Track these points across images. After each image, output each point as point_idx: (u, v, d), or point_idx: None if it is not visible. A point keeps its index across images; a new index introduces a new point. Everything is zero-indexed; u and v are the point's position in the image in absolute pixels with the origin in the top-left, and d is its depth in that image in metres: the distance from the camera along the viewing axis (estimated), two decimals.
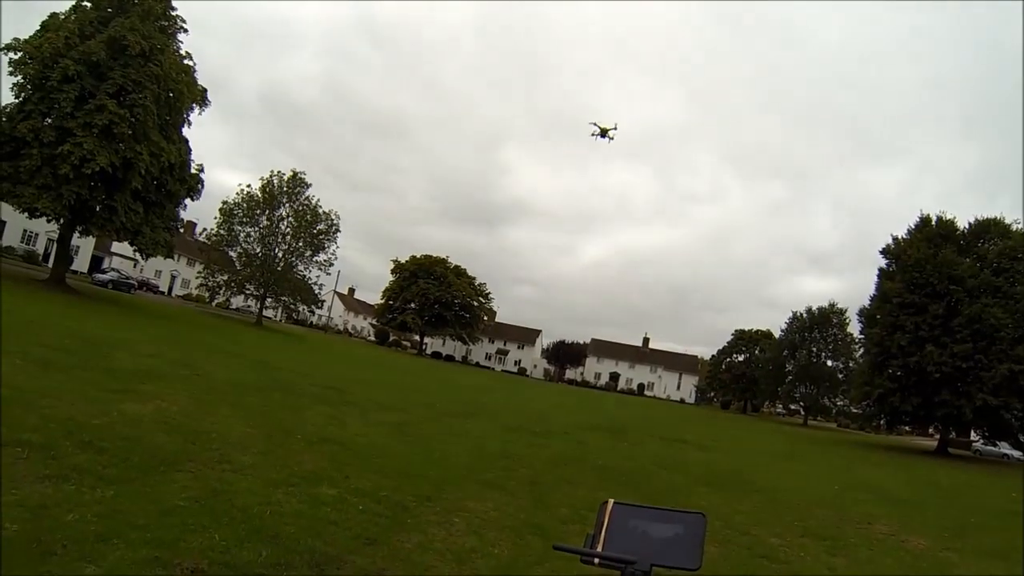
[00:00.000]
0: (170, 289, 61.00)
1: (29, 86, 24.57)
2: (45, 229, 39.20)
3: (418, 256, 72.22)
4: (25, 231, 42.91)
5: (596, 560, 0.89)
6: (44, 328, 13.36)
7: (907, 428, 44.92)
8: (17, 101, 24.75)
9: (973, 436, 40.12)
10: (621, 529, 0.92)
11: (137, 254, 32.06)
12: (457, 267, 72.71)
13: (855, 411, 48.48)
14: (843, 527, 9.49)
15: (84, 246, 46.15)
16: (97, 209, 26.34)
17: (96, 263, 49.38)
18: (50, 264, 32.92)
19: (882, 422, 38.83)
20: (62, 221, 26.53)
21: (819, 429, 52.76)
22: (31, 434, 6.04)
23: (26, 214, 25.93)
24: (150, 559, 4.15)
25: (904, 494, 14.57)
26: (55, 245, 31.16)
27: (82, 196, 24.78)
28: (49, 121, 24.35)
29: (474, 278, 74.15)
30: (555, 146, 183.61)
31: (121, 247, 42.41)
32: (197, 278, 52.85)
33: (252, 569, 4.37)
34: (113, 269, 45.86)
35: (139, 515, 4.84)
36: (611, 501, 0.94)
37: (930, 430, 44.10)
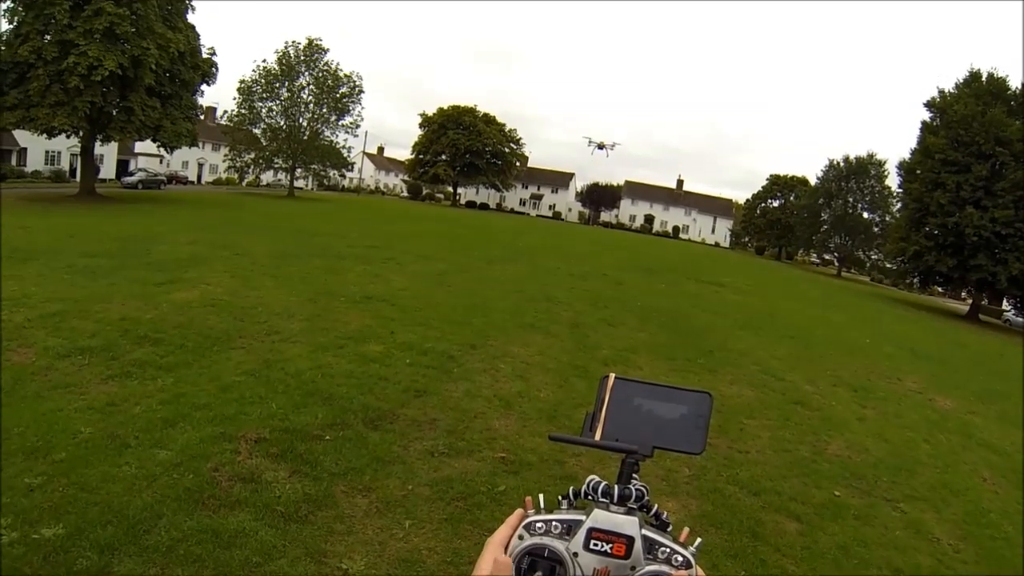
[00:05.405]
0: (199, 177, 61.09)
1: (20, 8, 23.50)
2: (67, 146, 39.02)
3: (445, 107, 69.63)
4: (47, 152, 42.88)
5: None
6: (84, 239, 13.67)
7: (939, 289, 44.23)
8: (12, 26, 23.82)
9: (1005, 305, 38.79)
10: (623, 407, 0.81)
11: (161, 149, 32.02)
12: (486, 115, 69.94)
13: (889, 266, 47.12)
14: (874, 380, 9.52)
15: (108, 153, 45.84)
16: (114, 113, 26.00)
17: (123, 167, 49.41)
18: (78, 178, 33.18)
19: (915, 280, 37.83)
20: (81, 133, 26.34)
21: (852, 281, 51.99)
22: (89, 340, 6.32)
23: (44, 135, 25.83)
24: (216, 435, 4.44)
25: (934, 354, 14.36)
26: (79, 158, 31.21)
27: (96, 104, 24.38)
28: (48, 38, 23.47)
29: (504, 124, 71.62)
30: None
31: (144, 146, 42.11)
32: (224, 161, 52.65)
33: (311, 431, 4.65)
34: (140, 169, 45.72)
35: (200, 396, 5.14)
36: (612, 376, 0.81)
37: (962, 294, 43.13)
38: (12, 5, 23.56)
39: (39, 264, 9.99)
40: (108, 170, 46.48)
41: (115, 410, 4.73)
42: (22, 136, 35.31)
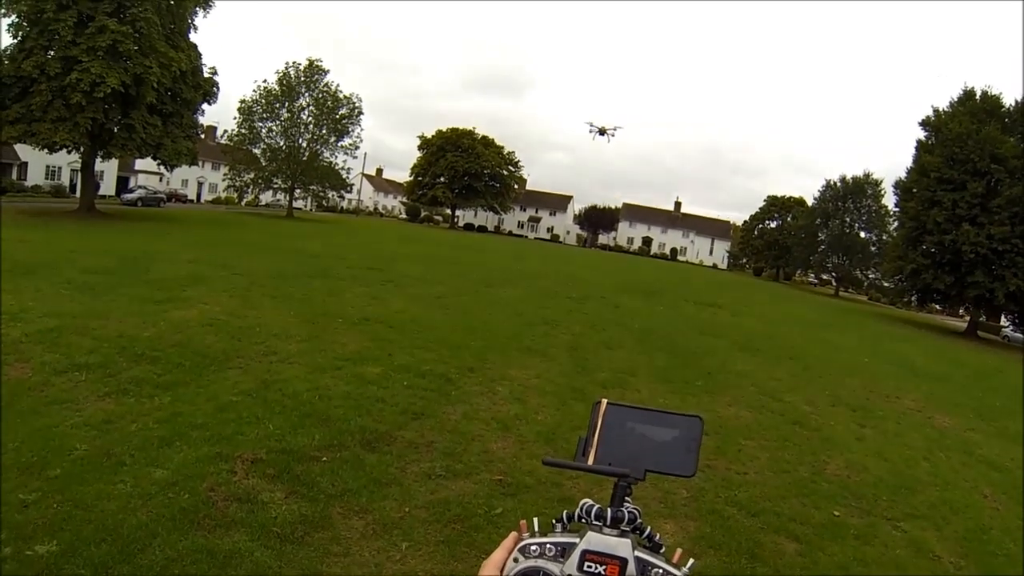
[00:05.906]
0: (199, 196, 61.38)
1: (25, 23, 23.78)
2: (67, 161, 39.25)
3: (444, 130, 70.35)
4: (48, 167, 43.13)
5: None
6: (83, 254, 13.67)
7: (937, 307, 44.88)
8: (16, 41, 24.09)
9: (1003, 321, 38.93)
10: (615, 432, 0.83)
11: (161, 167, 32.21)
12: (485, 137, 70.70)
13: (886, 285, 47.82)
14: (872, 399, 9.53)
15: (108, 170, 46.14)
16: (115, 130, 26.18)
17: (123, 184, 49.65)
18: (77, 194, 33.32)
19: (913, 298, 38.10)
20: (82, 149, 26.53)
21: (850, 301, 52.42)
22: (87, 356, 6.30)
23: (45, 150, 26.04)
24: (212, 455, 4.41)
25: (932, 372, 14.40)
26: (80, 174, 31.41)
27: (98, 120, 24.59)
28: (52, 53, 23.74)
29: (503, 147, 72.32)
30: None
31: (145, 163, 42.32)
32: (224, 180, 53.01)
33: (308, 452, 4.62)
34: (140, 187, 45.87)
35: (197, 415, 5.11)
36: (604, 401, 0.83)
37: (960, 311, 43.25)
38: (17, 20, 23.82)
39: (37, 279, 9.98)
40: (108, 187, 46.71)
41: (111, 427, 4.70)
42: (23, 150, 35.58)
